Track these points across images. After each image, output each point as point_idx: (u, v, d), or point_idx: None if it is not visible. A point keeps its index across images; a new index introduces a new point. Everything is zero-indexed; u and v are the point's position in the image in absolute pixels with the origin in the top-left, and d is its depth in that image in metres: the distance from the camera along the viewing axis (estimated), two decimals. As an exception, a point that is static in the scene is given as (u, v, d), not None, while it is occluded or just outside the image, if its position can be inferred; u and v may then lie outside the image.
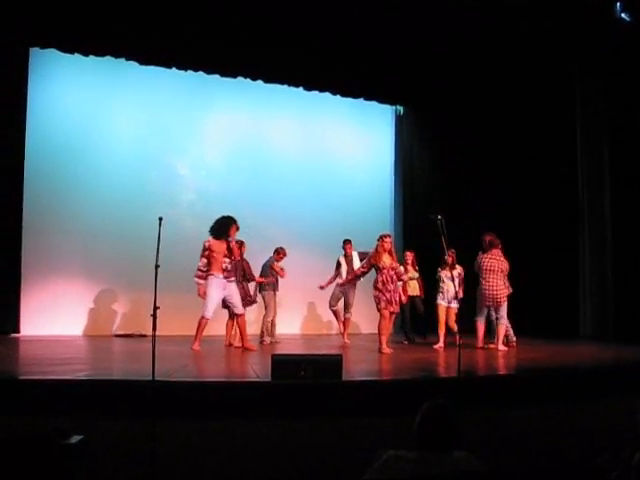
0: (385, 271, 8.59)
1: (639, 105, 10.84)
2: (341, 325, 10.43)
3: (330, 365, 5.61)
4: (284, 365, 5.56)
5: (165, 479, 4.57)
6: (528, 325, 10.51)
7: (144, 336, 10.15)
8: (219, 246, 8.45)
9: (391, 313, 8.68)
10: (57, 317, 10.62)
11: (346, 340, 10.04)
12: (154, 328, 4.84)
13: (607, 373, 7.11)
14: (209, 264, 8.44)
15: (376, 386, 5.91)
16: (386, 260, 8.65)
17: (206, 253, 8.46)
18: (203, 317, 8.51)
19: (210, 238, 8.52)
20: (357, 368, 7.40)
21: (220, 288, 8.51)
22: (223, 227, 8.52)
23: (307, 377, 5.43)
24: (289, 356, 6.53)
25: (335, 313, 10.53)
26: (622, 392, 6.36)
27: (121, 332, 11.02)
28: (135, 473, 4.55)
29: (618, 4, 9.34)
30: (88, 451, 3.89)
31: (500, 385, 6.35)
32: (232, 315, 9.31)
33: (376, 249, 8.76)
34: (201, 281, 8.51)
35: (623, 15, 9.38)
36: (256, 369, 6.34)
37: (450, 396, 3.51)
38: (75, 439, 3.71)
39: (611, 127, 11.33)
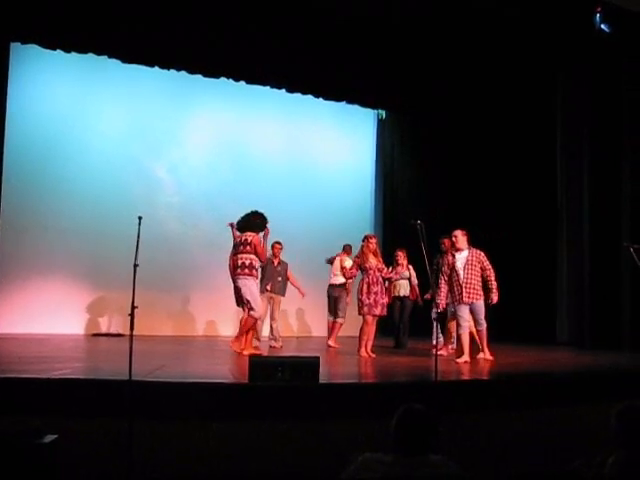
0: (371, 272, 8.49)
1: (619, 108, 10.96)
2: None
3: (307, 367, 5.60)
4: (261, 367, 5.54)
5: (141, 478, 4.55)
6: (505, 331, 10.54)
7: (122, 335, 10.11)
8: None
9: (374, 316, 8.52)
10: (34, 315, 10.53)
11: (334, 344, 9.78)
12: (132, 327, 4.81)
13: (583, 378, 7.15)
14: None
15: (353, 389, 5.91)
16: (372, 261, 8.56)
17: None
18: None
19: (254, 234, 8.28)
20: (336, 371, 7.41)
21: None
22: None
23: (284, 379, 5.42)
24: (266, 358, 6.54)
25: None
26: (597, 397, 6.43)
27: (99, 331, 10.96)
28: (110, 473, 4.51)
29: (598, 15, 9.43)
30: (62, 451, 3.86)
31: (477, 390, 6.37)
32: None
33: (362, 250, 8.69)
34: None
35: (603, 26, 9.47)
36: (234, 371, 6.32)
37: (427, 400, 3.53)
38: (49, 438, 3.69)
39: (591, 129, 11.42)
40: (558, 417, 6.24)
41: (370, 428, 5.05)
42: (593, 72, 11.13)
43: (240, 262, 8.06)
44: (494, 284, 8.21)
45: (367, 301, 8.43)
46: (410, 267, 9.94)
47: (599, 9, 9.46)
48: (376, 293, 8.46)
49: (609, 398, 5.93)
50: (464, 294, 8.11)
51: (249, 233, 8.16)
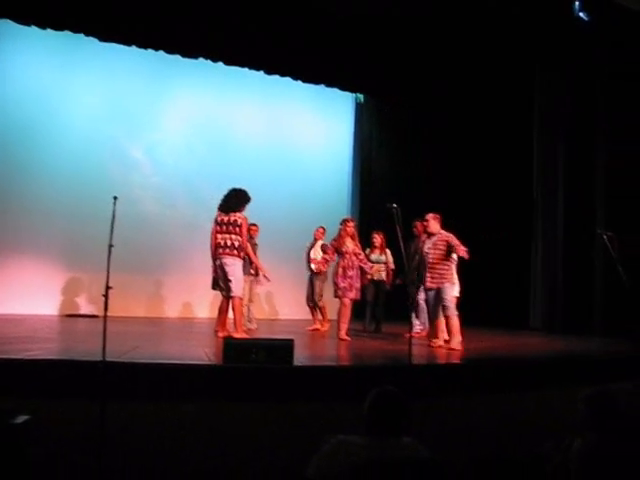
0: (347, 256, 8.52)
1: (594, 100, 11.05)
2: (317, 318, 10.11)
3: (281, 350, 5.63)
4: (235, 349, 5.56)
5: (114, 461, 4.54)
6: (478, 316, 10.63)
7: (96, 317, 10.05)
8: None
9: (351, 300, 8.56)
10: (7, 296, 10.41)
11: (324, 327, 9.86)
12: (106, 308, 4.78)
13: (553, 363, 7.26)
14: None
15: (326, 372, 5.94)
16: (349, 245, 8.57)
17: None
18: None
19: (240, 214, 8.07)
20: (311, 354, 7.44)
21: None
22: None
23: (258, 361, 5.43)
24: (241, 340, 6.55)
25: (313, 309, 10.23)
26: (567, 382, 6.53)
27: (73, 312, 10.89)
28: (84, 454, 4.51)
29: (577, 3, 9.46)
30: (35, 431, 3.84)
31: (449, 374, 6.44)
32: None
33: (339, 233, 8.69)
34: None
35: (581, 14, 9.50)
36: (208, 352, 6.33)
37: (400, 383, 3.56)
38: (21, 419, 3.67)
39: (567, 121, 11.53)
40: (528, 401, 6.33)
41: (344, 411, 5.09)
42: (570, 64, 11.21)
43: (229, 242, 7.86)
44: (460, 248, 7.84)
45: (342, 284, 8.46)
46: (387, 251, 9.91)
47: (578, -4, 9.50)
48: (351, 277, 8.49)
49: (578, 383, 6.05)
50: (428, 279, 8.06)
51: (237, 214, 8.00)
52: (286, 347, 5.68)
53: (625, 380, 6.33)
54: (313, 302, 10.05)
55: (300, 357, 6.02)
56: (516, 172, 12.16)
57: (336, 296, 8.61)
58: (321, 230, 10.30)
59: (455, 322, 7.92)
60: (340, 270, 8.50)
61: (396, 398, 3.13)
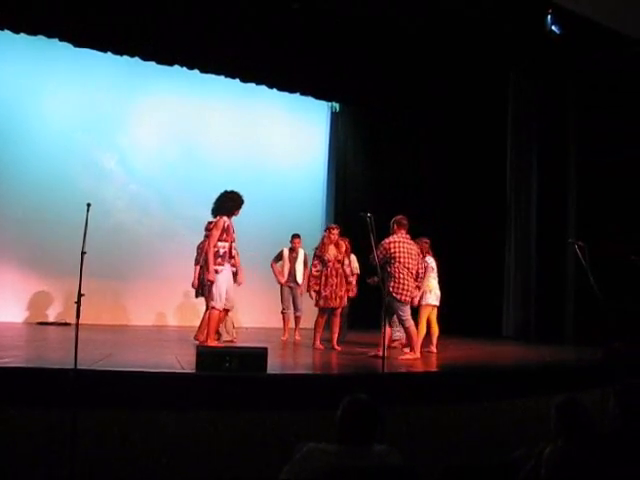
0: (330, 264, 8.43)
1: (565, 114, 11.21)
2: (288, 328, 9.89)
3: (255, 358, 5.62)
4: (209, 357, 5.54)
5: (85, 470, 4.50)
6: (452, 325, 10.67)
7: (68, 324, 9.95)
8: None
9: (333, 308, 8.43)
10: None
11: (297, 337, 9.67)
12: (78, 316, 4.75)
13: (526, 372, 7.32)
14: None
15: (300, 380, 5.94)
16: (332, 252, 8.48)
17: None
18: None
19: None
20: (285, 362, 7.43)
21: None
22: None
23: (232, 369, 5.42)
24: (214, 348, 6.52)
25: (286, 316, 10.01)
26: (539, 390, 6.58)
27: (44, 320, 10.76)
28: (54, 462, 4.47)
29: (549, 17, 9.61)
30: (4, 440, 3.80)
31: (422, 382, 6.46)
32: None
33: (322, 241, 8.62)
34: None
35: (553, 27, 9.64)
36: (181, 360, 6.29)
37: (374, 392, 3.57)
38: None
39: (539, 129, 11.69)
40: (501, 409, 6.38)
41: (317, 419, 5.10)
42: (541, 75, 11.38)
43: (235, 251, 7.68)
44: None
45: (324, 293, 8.39)
46: (353, 257, 9.26)
47: (550, 11, 9.62)
48: (333, 285, 8.40)
49: (550, 391, 6.10)
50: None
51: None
52: (260, 355, 5.67)
53: (595, 388, 6.41)
54: (290, 311, 9.91)
55: (274, 365, 6.01)
56: (490, 181, 12.28)
57: (316, 305, 8.52)
58: (297, 241, 10.01)
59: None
60: (322, 278, 8.41)
61: (368, 406, 3.14)
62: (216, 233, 7.48)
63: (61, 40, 9.65)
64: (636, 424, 3.37)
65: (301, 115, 13.49)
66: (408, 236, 7.82)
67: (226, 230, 7.52)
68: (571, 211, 11.11)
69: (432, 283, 8.45)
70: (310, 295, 8.75)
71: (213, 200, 7.93)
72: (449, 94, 12.25)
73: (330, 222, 13.20)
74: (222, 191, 7.87)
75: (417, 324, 8.15)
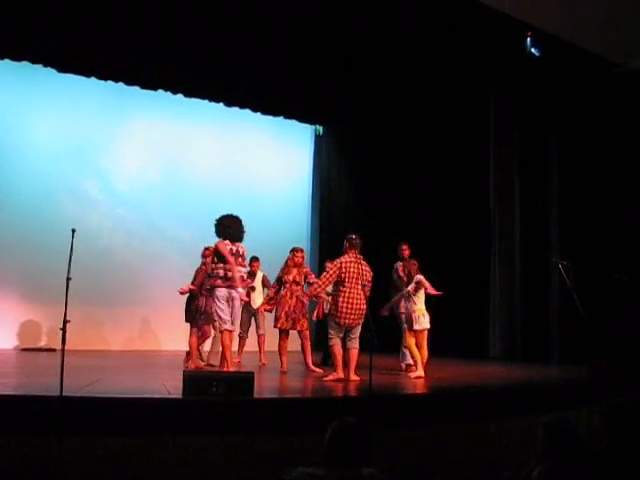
0: (288, 285, 8.44)
1: (546, 134, 11.34)
2: (243, 351, 9.73)
3: (242, 382, 5.60)
4: (196, 381, 5.51)
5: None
6: (438, 345, 10.66)
7: (53, 350, 9.88)
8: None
9: (284, 329, 8.43)
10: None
11: (263, 360, 9.63)
12: (63, 342, 4.72)
13: (512, 392, 7.33)
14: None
15: (287, 404, 5.92)
16: (291, 274, 8.50)
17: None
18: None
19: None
20: (270, 386, 7.40)
21: None
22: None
23: (219, 394, 5.40)
24: (201, 373, 6.51)
25: (243, 340, 9.82)
26: (527, 410, 6.60)
27: (29, 346, 10.66)
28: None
29: (528, 40, 9.75)
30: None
31: (411, 404, 6.46)
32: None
33: (286, 262, 8.63)
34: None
35: (533, 50, 9.79)
36: (168, 385, 6.26)
37: (360, 414, 3.57)
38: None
39: (521, 150, 11.81)
40: (488, 430, 6.38)
41: (304, 442, 5.08)
42: (522, 92, 11.52)
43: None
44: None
45: (278, 313, 8.44)
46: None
47: (530, 33, 9.76)
48: (288, 306, 8.39)
49: (538, 411, 6.13)
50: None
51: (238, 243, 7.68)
52: (247, 380, 5.66)
53: (581, 406, 6.44)
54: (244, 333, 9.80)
55: (261, 390, 6.00)
56: (474, 201, 12.35)
57: (274, 326, 8.52)
58: (256, 264, 9.94)
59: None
60: (279, 299, 8.45)
61: (355, 429, 3.14)
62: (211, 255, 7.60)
63: (45, 66, 9.69)
64: (622, 442, 3.39)
65: (285, 137, 13.57)
66: (360, 256, 7.79)
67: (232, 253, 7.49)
68: (553, 231, 11.18)
69: (423, 306, 8.43)
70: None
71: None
72: (431, 114, 12.38)
73: (315, 244, 13.28)
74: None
75: (420, 349, 8.21)
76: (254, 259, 9.87)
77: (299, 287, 8.52)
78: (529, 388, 7.70)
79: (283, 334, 8.55)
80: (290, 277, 8.48)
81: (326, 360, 9.32)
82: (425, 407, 6.35)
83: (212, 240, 7.71)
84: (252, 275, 9.73)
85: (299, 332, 8.53)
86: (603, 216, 10.47)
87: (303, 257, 8.72)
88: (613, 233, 10.33)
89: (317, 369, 8.47)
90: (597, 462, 3.29)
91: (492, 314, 12.04)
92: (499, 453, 6.12)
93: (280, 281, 8.61)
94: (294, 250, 8.71)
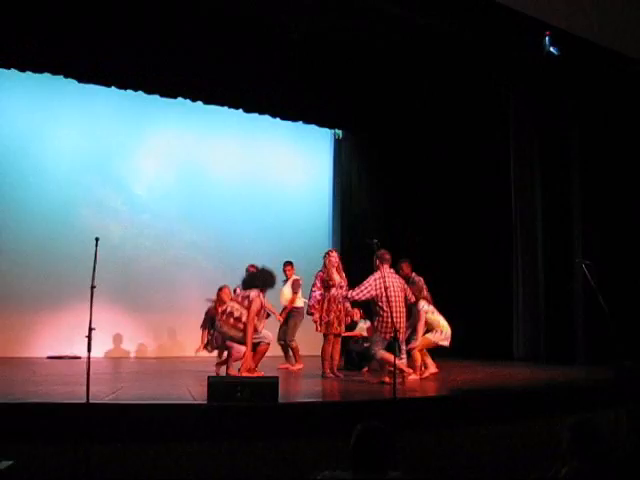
0: (334, 289, 8.31)
1: (568, 134, 11.25)
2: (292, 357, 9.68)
3: (266, 387, 5.61)
4: (220, 387, 5.53)
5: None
6: (462, 347, 10.61)
7: (78, 358, 9.96)
8: None
9: (335, 335, 8.34)
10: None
11: (299, 365, 9.49)
12: (89, 349, 4.77)
13: (538, 393, 7.28)
14: None
15: (312, 408, 5.92)
16: (336, 277, 8.35)
17: None
18: None
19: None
20: (295, 390, 7.41)
21: None
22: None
23: (244, 399, 5.41)
24: (225, 378, 6.52)
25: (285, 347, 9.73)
26: (552, 411, 6.55)
27: (54, 354, 10.76)
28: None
29: (547, 38, 9.69)
30: (19, 477, 3.80)
31: (435, 406, 6.43)
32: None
33: (324, 265, 8.48)
34: None
35: (552, 49, 9.72)
36: (192, 391, 6.29)
37: (386, 418, 3.57)
38: (4, 465, 3.63)
39: (541, 149, 11.71)
40: (515, 431, 6.34)
41: (330, 447, 5.08)
42: (543, 92, 11.43)
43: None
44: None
45: (326, 319, 8.30)
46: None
47: (549, 32, 9.70)
48: (338, 311, 8.32)
49: (563, 412, 6.08)
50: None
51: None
52: (271, 385, 5.66)
53: (608, 408, 6.38)
54: (285, 341, 9.62)
55: (285, 394, 6.00)
56: (495, 202, 12.27)
57: (319, 331, 8.40)
58: (289, 267, 9.94)
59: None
60: (326, 304, 8.30)
61: (381, 433, 3.14)
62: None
63: (66, 76, 9.80)
64: (650, 443, 3.36)
65: (305, 142, 13.59)
66: (392, 270, 7.82)
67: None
68: (577, 231, 11.08)
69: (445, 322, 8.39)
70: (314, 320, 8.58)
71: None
72: (451, 117, 12.34)
73: (336, 248, 13.27)
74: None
75: (422, 355, 8.27)
76: (288, 264, 9.94)
77: (342, 290, 8.37)
78: (554, 389, 7.63)
79: (334, 337, 8.39)
80: (336, 281, 8.36)
81: (348, 365, 9.43)
82: (450, 409, 6.32)
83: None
84: (286, 280, 9.83)
85: (336, 335, 8.43)
86: (626, 214, 10.38)
87: (337, 257, 8.62)
88: (637, 231, 10.23)
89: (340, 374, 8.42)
90: (624, 462, 3.26)
91: (516, 315, 11.94)
92: (525, 454, 6.07)
93: (325, 285, 8.42)
94: (328, 251, 8.72)
